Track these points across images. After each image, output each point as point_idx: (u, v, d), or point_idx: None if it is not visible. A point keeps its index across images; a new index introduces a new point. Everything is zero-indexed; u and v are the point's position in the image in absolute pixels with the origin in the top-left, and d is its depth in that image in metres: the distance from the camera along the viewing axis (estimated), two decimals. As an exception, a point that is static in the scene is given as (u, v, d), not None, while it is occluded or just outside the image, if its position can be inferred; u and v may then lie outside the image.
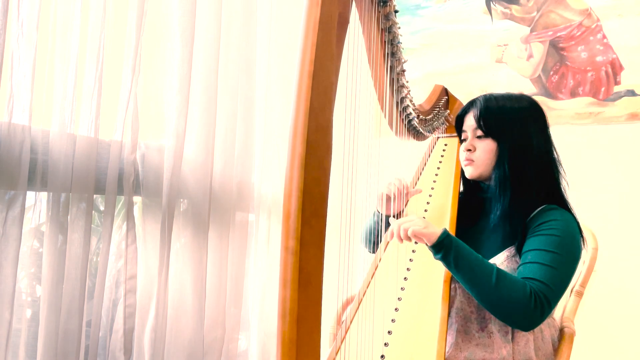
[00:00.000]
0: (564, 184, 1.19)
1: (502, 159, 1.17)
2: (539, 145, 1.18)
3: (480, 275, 1.02)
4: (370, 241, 1.36)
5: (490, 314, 1.11)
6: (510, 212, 1.13)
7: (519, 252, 1.13)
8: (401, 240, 1.08)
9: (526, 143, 1.17)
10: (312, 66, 0.68)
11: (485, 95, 1.24)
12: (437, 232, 1.05)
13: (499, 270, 1.03)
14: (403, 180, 1.29)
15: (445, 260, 1.05)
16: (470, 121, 1.23)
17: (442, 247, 1.04)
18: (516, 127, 1.17)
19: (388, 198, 1.27)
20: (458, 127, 1.28)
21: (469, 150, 1.22)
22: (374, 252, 1.33)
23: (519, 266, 1.09)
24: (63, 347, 1.10)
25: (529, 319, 1.01)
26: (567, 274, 1.07)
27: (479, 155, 1.21)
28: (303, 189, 0.68)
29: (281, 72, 1.74)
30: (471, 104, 1.25)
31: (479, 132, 1.21)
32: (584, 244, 1.16)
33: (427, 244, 1.06)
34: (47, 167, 1.08)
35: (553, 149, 1.21)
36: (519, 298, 1.00)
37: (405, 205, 1.30)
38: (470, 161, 1.22)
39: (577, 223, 1.14)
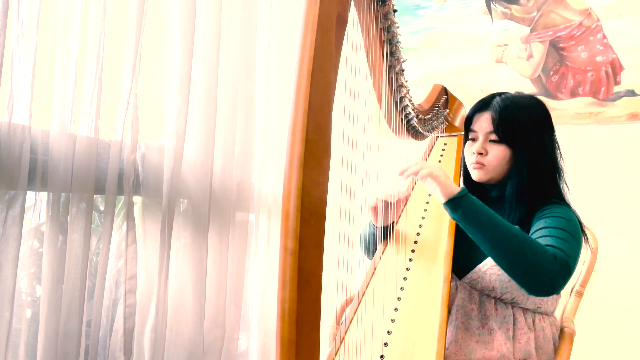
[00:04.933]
0: (564, 186, 1.20)
1: (519, 167, 1.16)
2: (551, 151, 1.18)
3: (505, 236, 1.00)
4: (368, 250, 1.36)
5: (491, 312, 1.11)
6: (526, 218, 1.14)
7: None
8: (415, 173, 1.08)
9: (541, 150, 1.17)
10: (310, 66, 0.68)
11: (501, 97, 1.20)
12: (455, 187, 1.04)
13: (523, 233, 1.01)
14: (394, 194, 1.24)
15: (464, 221, 1.03)
16: (484, 123, 1.20)
17: (459, 205, 1.02)
18: (533, 135, 1.16)
19: (377, 208, 1.24)
20: (467, 125, 1.26)
21: (481, 153, 1.20)
22: (371, 258, 1.32)
23: None
24: (63, 347, 1.10)
25: (555, 281, 1.00)
26: (577, 250, 1.07)
27: (491, 160, 1.19)
28: (302, 188, 0.68)
29: (281, 72, 1.74)
30: (486, 104, 1.22)
31: (494, 137, 1.18)
32: (586, 241, 1.16)
33: (442, 199, 1.05)
34: (47, 167, 1.08)
35: (558, 151, 1.21)
36: (545, 260, 0.98)
37: (398, 217, 1.29)
38: (481, 165, 1.20)
39: (578, 220, 1.15)
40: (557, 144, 1.21)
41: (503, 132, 1.17)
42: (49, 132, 1.10)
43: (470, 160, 1.23)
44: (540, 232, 1.08)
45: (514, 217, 1.15)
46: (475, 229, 1.03)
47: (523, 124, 1.17)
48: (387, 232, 1.28)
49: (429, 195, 1.34)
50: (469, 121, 1.25)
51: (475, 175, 1.22)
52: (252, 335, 1.67)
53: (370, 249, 1.33)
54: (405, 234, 1.25)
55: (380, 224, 1.25)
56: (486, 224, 1.01)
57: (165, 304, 1.32)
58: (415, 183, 1.41)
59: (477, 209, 1.02)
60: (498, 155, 1.18)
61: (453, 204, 1.02)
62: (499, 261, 1.03)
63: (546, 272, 0.99)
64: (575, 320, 1.25)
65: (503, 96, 1.21)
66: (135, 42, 1.23)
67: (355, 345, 1.02)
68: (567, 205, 1.16)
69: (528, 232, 1.13)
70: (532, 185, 1.15)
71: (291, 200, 0.68)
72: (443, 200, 1.05)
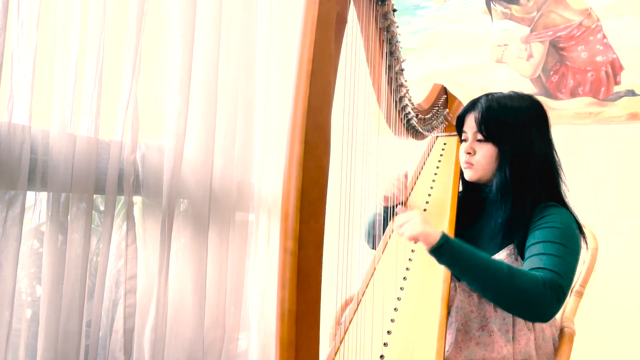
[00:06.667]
0: (563, 187, 1.19)
1: (502, 165, 1.16)
2: (539, 149, 1.17)
3: (492, 274, 0.99)
4: (371, 235, 1.36)
5: (491, 314, 1.11)
6: (512, 217, 1.13)
7: (518, 249, 1.13)
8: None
9: (527, 148, 1.16)
10: (310, 66, 0.68)
11: (487, 97, 1.21)
12: (435, 236, 1.00)
13: (510, 267, 1.01)
14: (401, 177, 1.28)
15: (450, 266, 1.02)
16: (471, 123, 1.22)
17: (442, 254, 1.01)
18: (517, 133, 1.16)
19: (389, 196, 1.27)
20: (459, 126, 1.27)
21: (469, 153, 1.22)
22: (374, 247, 1.33)
23: (525, 259, 1.08)
24: (63, 347, 1.10)
25: (548, 308, 1.00)
26: (573, 264, 1.07)
27: (479, 159, 1.20)
28: (301, 189, 0.68)
29: (281, 72, 1.74)
30: (473, 104, 1.23)
31: (479, 136, 1.19)
32: (585, 243, 1.16)
33: (425, 248, 1.03)
34: (47, 167, 1.08)
35: (554, 151, 1.20)
36: (535, 290, 0.98)
37: (407, 197, 1.30)
38: (470, 164, 1.22)
39: (577, 221, 1.14)
40: (553, 143, 1.21)
41: (486, 130, 1.18)
42: (49, 132, 1.10)
43: (462, 159, 1.25)
44: (533, 249, 1.07)
45: (500, 215, 1.15)
46: (462, 273, 1.03)
47: (507, 122, 1.17)
48: (394, 213, 1.28)
49: (429, 195, 1.35)
50: (461, 121, 1.26)
51: (467, 174, 1.24)
52: (252, 335, 1.67)
53: (373, 233, 1.34)
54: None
55: (390, 203, 1.28)
56: (472, 266, 1.00)
57: (165, 304, 1.32)
58: (417, 178, 1.41)
59: (460, 253, 1.01)
60: (485, 154, 1.19)
61: (436, 253, 1.01)
62: (490, 298, 1.03)
63: (537, 302, 0.98)
64: (575, 320, 1.25)
65: (490, 96, 1.22)
66: (135, 42, 1.23)
67: (355, 345, 1.02)
68: (564, 209, 1.15)
69: (517, 233, 1.12)
70: (516, 184, 1.14)
71: (290, 200, 0.68)
72: (426, 249, 1.03)
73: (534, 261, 1.05)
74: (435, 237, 1.01)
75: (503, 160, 1.17)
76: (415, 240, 1.03)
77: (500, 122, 1.17)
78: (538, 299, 0.98)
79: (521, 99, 1.21)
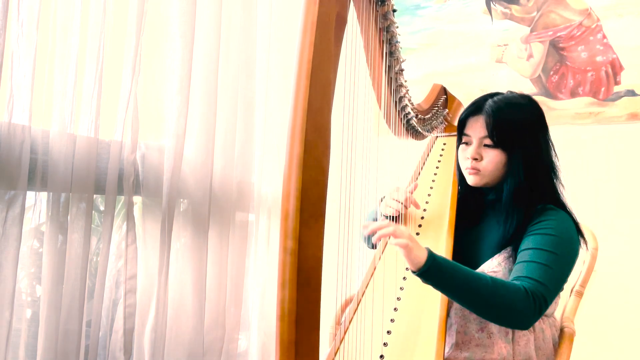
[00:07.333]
0: (560, 187, 1.19)
1: (516, 170, 1.14)
2: (546, 152, 1.17)
3: (476, 291, 0.99)
4: (369, 235, 1.35)
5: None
6: (524, 222, 1.13)
7: (516, 252, 1.12)
8: (388, 235, 1.03)
9: (537, 153, 1.15)
10: (309, 66, 0.68)
11: (494, 100, 1.18)
12: (421, 257, 0.97)
13: (493, 279, 1.01)
14: (404, 191, 1.26)
15: (436, 286, 1.01)
16: (477, 128, 1.18)
17: (428, 277, 0.98)
18: (528, 137, 1.15)
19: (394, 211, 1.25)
20: (460, 128, 1.24)
21: (475, 159, 1.18)
22: (372, 247, 1.32)
23: (515, 264, 1.09)
24: (63, 347, 1.10)
25: (528, 318, 1.02)
26: (563, 273, 1.07)
27: (486, 165, 1.17)
28: (301, 189, 0.68)
29: (281, 72, 1.74)
30: (478, 108, 1.19)
31: (488, 142, 1.16)
32: (584, 244, 1.15)
33: (410, 267, 1.00)
34: (47, 167, 1.08)
35: (553, 152, 1.20)
36: (518, 301, 0.99)
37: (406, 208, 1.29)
38: (476, 170, 1.18)
39: (575, 223, 1.14)
40: (552, 143, 1.20)
41: (498, 137, 1.15)
42: (49, 132, 1.10)
43: (465, 165, 1.21)
44: (523, 256, 1.07)
45: (512, 223, 1.14)
46: (447, 292, 1.02)
47: (517, 126, 1.15)
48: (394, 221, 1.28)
49: (429, 195, 1.35)
50: (462, 124, 1.22)
51: (471, 180, 1.21)
52: (252, 335, 1.67)
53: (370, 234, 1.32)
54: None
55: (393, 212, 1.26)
56: (456, 285, 1.00)
57: (165, 304, 1.32)
58: (416, 179, 1.41)
59: (444, 274, 0.99)
60: (493, 160, 1.16)
61: (422, 276, 0.99)
62: (473, 311, 1.04)
63: (519, 312, 0.99)
64: (575, 320, 1.25)
65: (495, 98, 1.18)
66: (135, 42, 1.23)
67: (355, 345, 1.02)
68: (562, 211, 1.14)
69: (520, 236, 1.12)
70: (529, 188, 1.14)
71: (290, 200, 0.68)
72: (412, 270, 1.00)
73: (522, 268, 1.05)
74: (422, 258, 0.97)
75: (516, 165, 1.14)
76: (405, 249, 0.98)
77: (512, 127, 1.14)
78: (520, 309, 0.99)
79: (525, 102, 1.19)
